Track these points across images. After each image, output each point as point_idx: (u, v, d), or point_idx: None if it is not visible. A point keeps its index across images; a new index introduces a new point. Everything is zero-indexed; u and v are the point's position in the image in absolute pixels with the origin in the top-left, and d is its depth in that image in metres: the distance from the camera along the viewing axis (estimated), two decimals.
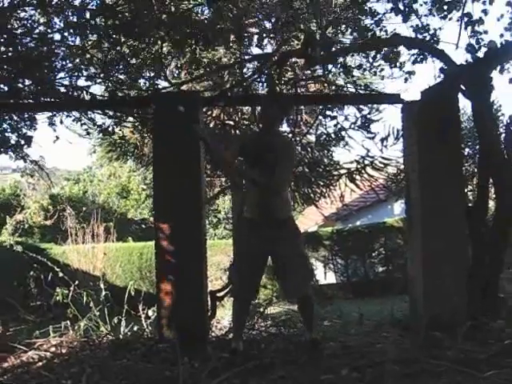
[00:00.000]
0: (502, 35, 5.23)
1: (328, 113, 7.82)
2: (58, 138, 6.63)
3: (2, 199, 19.44)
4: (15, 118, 6.52)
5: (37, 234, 16.65)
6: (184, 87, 6.84)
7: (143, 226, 22.51)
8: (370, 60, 6.53)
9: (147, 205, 22.50)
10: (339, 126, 7.78)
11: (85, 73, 6.25)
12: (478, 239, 4.85)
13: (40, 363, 4.19)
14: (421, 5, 5.48)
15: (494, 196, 5.06)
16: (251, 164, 4.26)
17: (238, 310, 4.40)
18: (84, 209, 18.30)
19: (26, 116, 6.49)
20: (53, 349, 4.57)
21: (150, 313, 5.13)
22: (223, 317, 6.44)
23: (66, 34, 5.78)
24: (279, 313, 7.22)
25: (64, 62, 6.09)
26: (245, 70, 7.08)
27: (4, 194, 19.78)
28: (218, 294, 4.80)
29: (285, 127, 8.11)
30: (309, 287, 4.34)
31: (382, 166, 9.13)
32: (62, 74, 6.21)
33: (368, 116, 7.94)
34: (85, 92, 6.18)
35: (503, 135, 5.06)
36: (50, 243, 14.47)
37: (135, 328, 5.15)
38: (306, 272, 4.31)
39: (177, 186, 4.50)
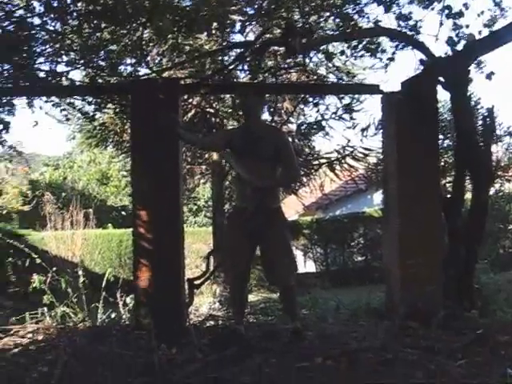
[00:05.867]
0: (480, 32, 5.28)
1: (309, 101, 7.83)
2: (37, 123, 6.58)
3: None
4: None
5: (15, 220, 16.46)
6: (165, 74, 6.80)
7: (123, 212, 22.37)
8: (352, 49, 6.53)
9: (127, 192, 22.36)
10: (320, 115, 7.80)
11: (65, 58, 6.19)
12: (454, 230, 4.92)
13: (16, 349, 4.17)
14: None
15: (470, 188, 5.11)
16: (241, 156, 4.32)
17: (235, 294, 4.55)
18: (63, 195, 18.16)
19: (4, 101, 6.40)
20: (29, 335, 4.55)
21: (128, 300, 5.13)
22: (201, 304, 6.46)
23: (45, 18, 5.70)
24: (258, 301, 7.27)
25: (44, 47, 6.01)
26: (226, 58, 7.06)
27: None
28: (196, 282, 4.80)
29: (266, 116, 8.15)
30: (293, 277, 4.40)
31: (363, 156, 9.20)
32: (41, 59, 6.14)
33: (349, 106, 7.99)
34: (64, 78, 6.11)
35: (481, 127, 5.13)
36: (28, 229, 14.33)
37: (113, 315, 5.15)
38: (290, 262, 4.39)
39: (155, 172, 4.49)
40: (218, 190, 10.83)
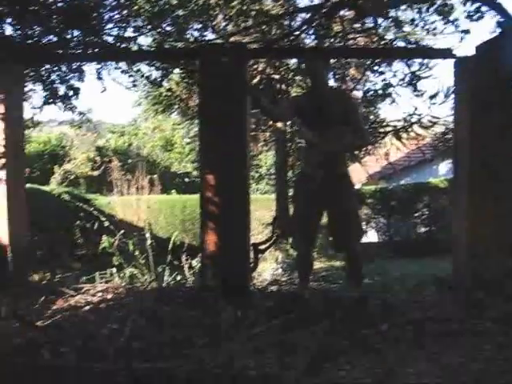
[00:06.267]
0: None
1: (376, 68, 7.66)
2: (105, 88, 6.71)
3: (49, 149, 19.85)
4: (64, 69, 6.58)
5: (83, 185, 16.96)
6: (231, 40, 6.78)
7: (186, 179, 22.70)
8: (423, 14, 6.33)
9: (190, 158, 22.62)
10: (387, 82, 7.63)
11: (132, 24, 6.26)
12: None
13: (87, 307, 4.32)
14: None
15: None
16: (309, 122, 4.31)
17: (301, 260, 4.64)
18: (130, 161, 18.55)
19: (75, 67, 6.54)
20: (99, 294, 4.70)
21: (194, 263, 5.22)
22: (264, 270, 6.51)
23: None
24: (320, 269, 7.26)
25: (112, 13, 6.09)
26: (292, 23, 6.97)
27: (50, 144, 20.18)
28: (261, 247, 4.83)
29: (332, 83, 8.03)
30: (358, 243, 4.39)
31: (430, 124, 8.97)
32: (110, 26, 6.23)
33: (417, 73, 7.77)
34: (132, 43, 6.19)
35: None
36: (95, 194, 14.74)
37: (178, 277, 5.25)
38: (357, 228, 4.38)
39: (222, 137, 4.50)
40: (281, 157, 10.82)
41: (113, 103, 63.99)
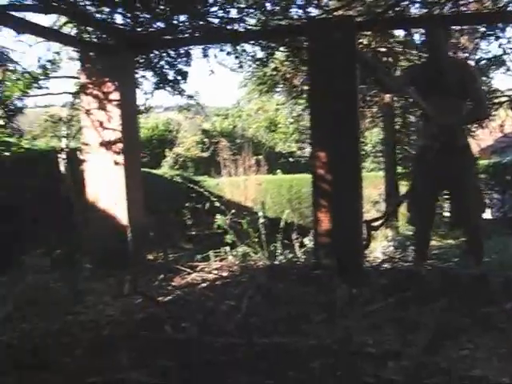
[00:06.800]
0: None
1: (490, 34, 7.27)
2: (212, 71, 6.83)
3: (157, 134, 20.54)
4: (172, 54, 6.74)
5: (191, 168, 17.42)
6: (335, 14, 6.65)
7: (291, 159, 22.75)
8: None
9: (295, 138, 22.62)
10: (503, 49, 7.23)
11: (236, 5, 6.29)
12: None
13: (204, 284, 4.45)
14: None
15: None
16: (426, 93, 4.22)
17: (418, 236, 4.65)
18: (238, 141, 18.85)
19: (182, 52, 6.69)
20: (214, 272, 4.83)
21: (306, 241, 5.22)
22: (375, 248, 6.40)
23: None
24: (432, 246, 7.05)
25: None
26: None
27: (158, 130, 20.87)
28: (374, 224, 4.76)
29: None
30: (479, 218, 4.24)
31: None
32: (214, 8, 6.29)
33: None
34: (237, 24, 6.23)
35: None
36: (203, 176, 15.10)
37: (290, 255, 5.28)
38: (477, 202, 4.23)
39: (332, 113, 4.45)
40: (389, 133, 10.60)
41: (213, 87, 65.13)
